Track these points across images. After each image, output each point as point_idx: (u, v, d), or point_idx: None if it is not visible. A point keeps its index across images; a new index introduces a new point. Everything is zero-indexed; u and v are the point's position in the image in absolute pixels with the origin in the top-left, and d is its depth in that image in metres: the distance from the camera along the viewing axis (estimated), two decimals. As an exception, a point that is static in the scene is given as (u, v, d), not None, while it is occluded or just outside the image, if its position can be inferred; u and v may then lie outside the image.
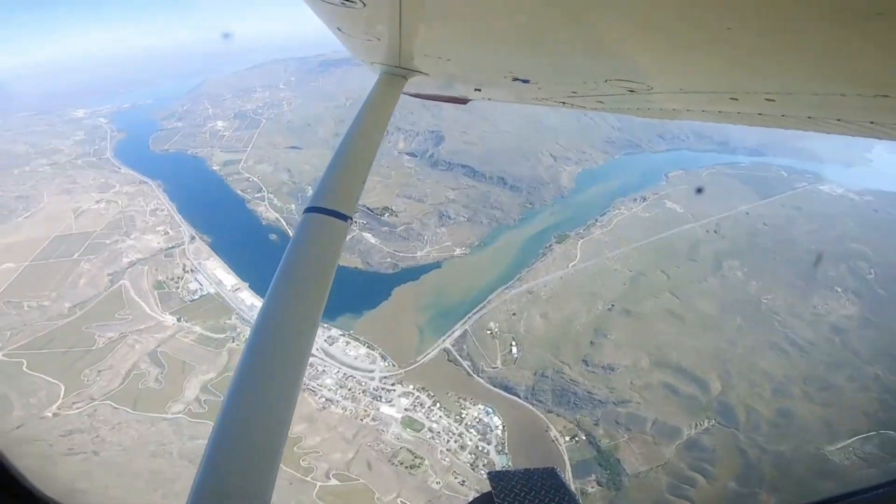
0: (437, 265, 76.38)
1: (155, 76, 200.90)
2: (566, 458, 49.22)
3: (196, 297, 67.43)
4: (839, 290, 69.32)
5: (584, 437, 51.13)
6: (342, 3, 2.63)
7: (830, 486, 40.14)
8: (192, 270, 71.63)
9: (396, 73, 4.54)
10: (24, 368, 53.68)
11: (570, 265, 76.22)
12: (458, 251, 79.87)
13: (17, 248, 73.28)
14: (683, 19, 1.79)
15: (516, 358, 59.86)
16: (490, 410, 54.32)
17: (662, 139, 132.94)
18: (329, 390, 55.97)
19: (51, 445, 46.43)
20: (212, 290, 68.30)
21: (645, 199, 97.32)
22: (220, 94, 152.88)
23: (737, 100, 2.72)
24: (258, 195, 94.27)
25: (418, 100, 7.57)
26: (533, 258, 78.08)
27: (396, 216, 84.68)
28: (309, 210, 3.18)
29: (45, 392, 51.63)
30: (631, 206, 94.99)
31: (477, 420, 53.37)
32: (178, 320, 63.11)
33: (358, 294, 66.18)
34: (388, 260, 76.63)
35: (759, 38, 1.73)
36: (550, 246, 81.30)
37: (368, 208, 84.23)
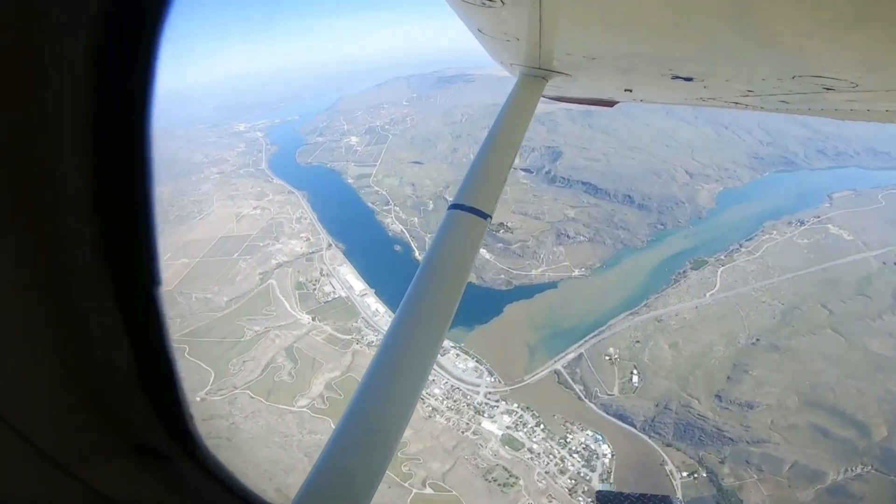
0: (552, 285, 74.04)
1: (300, 93, 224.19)
2: (679, 493, 44.34)
3: (329, 299, 73.05)
4: None
5: (704, 475, 45.87)
6: (483, 4, 2.55)
7: None
8: (327, 274, 77.85)
9: (536, 75, 4.41)
10: (186, 355, 59.22)
11: (707, 294, 68.46)
12: (576, 272, 76.58)
13: (191, 246, 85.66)
14: None
15: (636, 387, 55.45)
16: (599, 437, 51.12)
17: (824, 155, 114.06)
18: (436, 399, 56.85)
19: (193, 429, 53.33)
20: (343, 294, 73.72)
21: (803, 223, 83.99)
22: (353, 111, 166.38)
23: None
24: (386, 207, 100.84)
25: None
26: (663, 284, 71.80)
27: (511, 233, 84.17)
28: (453, 207, 3.27)
29: (198, 377, 55.95)
30: (784, 230, 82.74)
31: (583, 446, 50.66)
32: (313, 319, 68.38)
33: (470, 308, 65.87)
34: (502, 276, 76.22)
35: None
36: (685, 272, 74.09)
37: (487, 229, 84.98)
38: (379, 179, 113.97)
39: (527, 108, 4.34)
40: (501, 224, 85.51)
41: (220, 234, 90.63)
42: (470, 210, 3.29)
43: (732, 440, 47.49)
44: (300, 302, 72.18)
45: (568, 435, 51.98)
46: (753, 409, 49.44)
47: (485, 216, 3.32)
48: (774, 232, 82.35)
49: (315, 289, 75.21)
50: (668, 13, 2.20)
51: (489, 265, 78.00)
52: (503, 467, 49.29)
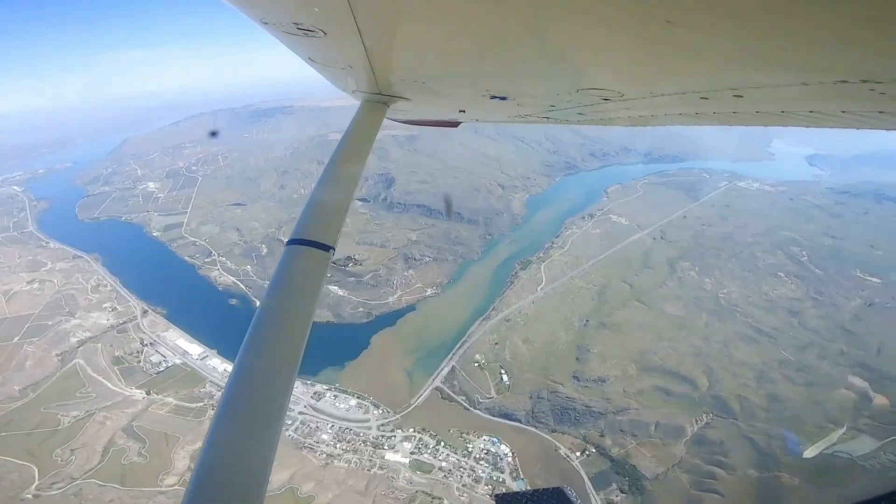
0: (411, 308, 75.75)
1: (68, 137, 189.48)
2: (583, 472, 49.54)
3: (161, 369, 64.11)
4: (782, 275, 76.08)
5: (594, 450, 51.81)
6: (305, 34, 2.62)
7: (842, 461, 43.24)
8: (151, 343, 68.04)
9: (376, 100, 4.58)
10: (-11, 453, 49.44)
11: (538, 289, 78.26)
12: (429, 291, 79.81)
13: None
14: (643, 22, 1.80)
15: (509, 385, 60.10)
16: (496, 440, 54.05)
17: (594, 157, 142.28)
18: (328, 445, 53.90)
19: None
20: (178, 361, 65.16)
21: (592, 217, 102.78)
22: (147, 153, 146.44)
23: (707, 99, 2.79)
24: (209, 260, 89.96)
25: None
26: (502, 287, 79.50)
27: (361, 265, 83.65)
28: (291, 242, 3.23)
29: (16, 474, 49.35)
30: (581, 224, 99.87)
31: (485, 451, 52.97)
32: (148, 393, 59.94)
33: (336, 347, 64.82)
34: (361, 309, 75.03)
35: (715, 32, 1.77)
36: (516, 273, 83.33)
37: (334, 262, 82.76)
38: (194, 228, 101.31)
39: (368, 134, 4.42)
40: (349, 258, 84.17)
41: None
42: (310, 244, 3.22)
43: (601, 413, 54.62)
44: (124, 377, 62.57)
45: (468, 445, 53.63)
46: (606, 382, 58.01)
47: (327, 248, 3.26)
48: (574, 227, 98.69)
49: (139, 361, 65.40)
50: (468, 42, 2.51)
51: (345, 301, 75.94)
52: (423, 492, 48.91)
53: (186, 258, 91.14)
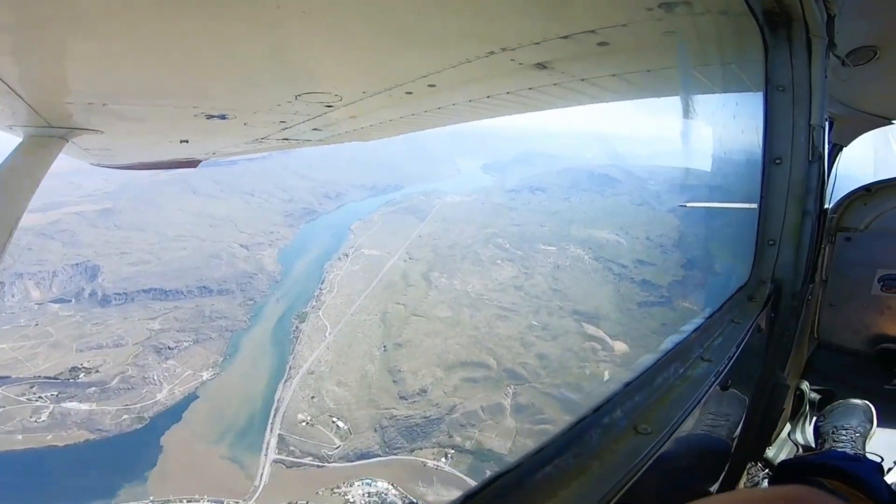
0: (193, 397, 63.32)
1: None
2: (458, 472, 53.31)
3: None
4: (499, 262, 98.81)
5: (452, 451, 56.06)
6: None
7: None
8: None
9: (48, 135, 3.50)
10: None
11: (327, 334, 77.89)
12: (205, 375, 68.04)
13: None
14: (331, 10, 1.78)
15: (348, 429, 59.00)
16: (369, 480, 52.83)
17: (329, 198, 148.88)
18: None
19: None
20: None
21: (347, 255, 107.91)
22: None
23: (411, 93, 2.85)
24: None
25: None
26: (289, 345, 75.53)
27: (98, 371, 64.31)
28: None
29: None
30: (340, 265, 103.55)
31: (366, 495, 51.46)
32: None
33: (119, 462, 52.12)
34: (126, 417, 58.19)
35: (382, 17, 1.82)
36: (296, 328, 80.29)
37: (49, 377, 61.40)
38: None
39: (33, 176, 3.33)
40: (75, 368, 63.46)
41: None
42: None
43: (439, 418, 59.05)
44: None
45: (346, 497, 50.91)
46: (427, 392, 62.86)
47: None
48: (335, 269, 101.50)
49: None
50: (143, 36, 2.01)
51: (97, 413, 57.87)
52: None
53: None
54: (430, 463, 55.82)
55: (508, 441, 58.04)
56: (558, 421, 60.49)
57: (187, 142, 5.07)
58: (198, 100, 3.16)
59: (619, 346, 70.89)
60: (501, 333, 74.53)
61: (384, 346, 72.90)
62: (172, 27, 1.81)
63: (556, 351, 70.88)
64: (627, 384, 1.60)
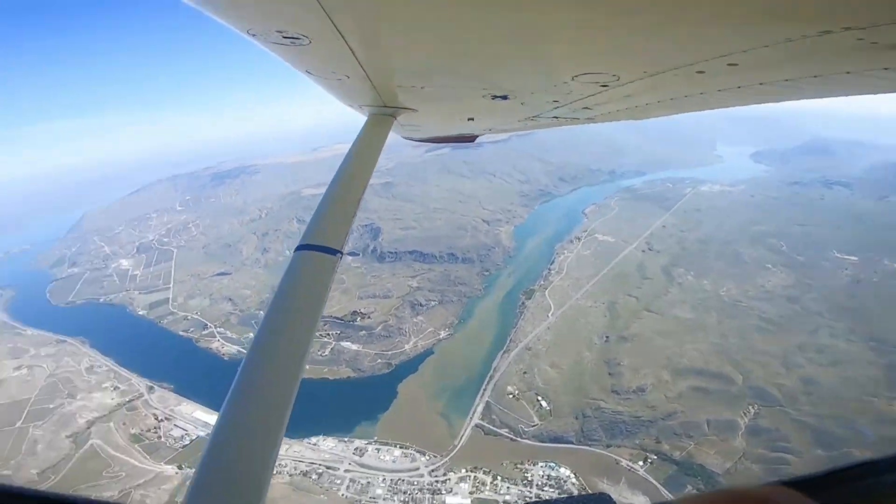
0: (430, 352, 74.90)
1: (15, 218, 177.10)
2: (651, 479, 49.63)
3: (186, 442, 61.99)
4: (770, 266, 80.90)
5: (655, 457, 52.00)
6: (292, 42, 2.53)
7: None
8: (166, 418, 65.67)
9: (382, 113, 4.58)
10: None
11: (549, 314, 79.41)
12: (443, 333, 79.28)
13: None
14: None
15: (550, 410, 60.05)
16: (553, 464, 53.54)
17: (564, 181, 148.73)
18: (385, 500, 52.21)
19: None
20: (201, 433, 62.50)
21: (580, 239, 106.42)
22: (110, 228, 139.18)
23: (703, 72, 2.72)
24: (206, 332, 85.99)
25: None
26: (513, 318, 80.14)
27: (369, 317, 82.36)
28: (299, 248, 3.23)
29: None
30: (571, 247, 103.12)
31: (545, 477, 52.42)
32: (180, 468, 57.80)
33: (364, 401, 64.33)
34: (379, 361, 73.57)
35: None
36: (523, 303, 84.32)
37: (337, 318, 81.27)
38: (181, 303, 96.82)
39: (374, 145, 4.38)
40: (355, 312, 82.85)
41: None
42: (318, 248, 3.20)
43: (651, 421, 55.17)
44: (148, 454, 60.06)
45: (526, 474, 52.90)
46: (645, 391, 58.88)
47: (334, 252, 3.24)
48: (566, 251, 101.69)
49: (159, 436, 63.08)
50: (453, 31, 2.40)
51: (361, 355, 74.36)
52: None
53: (181, 333, 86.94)
54: (625, 462, 52.30)
55: (728, 462, 48.86)
56: (805, 453, 48.03)
57: (473, 119, 5.87)
58: (490, 82, 3.60)
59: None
60: (758, 348, 61.80)
61: (606, 337, 69.86)
62: (472, 21, 2.19)
63: (832, 379, 54.95)
64: None
